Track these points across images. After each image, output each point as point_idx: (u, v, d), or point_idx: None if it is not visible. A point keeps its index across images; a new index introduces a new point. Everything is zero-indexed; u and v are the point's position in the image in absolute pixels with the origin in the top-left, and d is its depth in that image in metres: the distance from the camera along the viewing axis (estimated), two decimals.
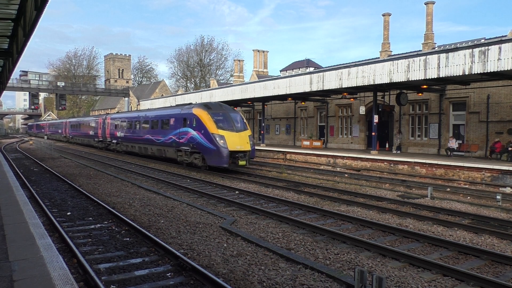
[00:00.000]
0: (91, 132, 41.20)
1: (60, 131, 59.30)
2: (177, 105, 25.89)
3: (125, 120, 31.88)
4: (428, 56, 18.43)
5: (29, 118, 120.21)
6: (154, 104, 45.72)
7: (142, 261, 6.90)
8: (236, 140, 19.01)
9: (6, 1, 8.57)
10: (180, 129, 21.98)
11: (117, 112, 41.24)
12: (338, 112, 33.60)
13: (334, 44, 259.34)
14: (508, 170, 16.65)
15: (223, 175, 18.80)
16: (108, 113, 40.78)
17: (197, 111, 20.50)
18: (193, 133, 20.39)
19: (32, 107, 50.70)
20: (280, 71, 52.22)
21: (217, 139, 18.71)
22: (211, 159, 19.20)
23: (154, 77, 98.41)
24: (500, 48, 15.65)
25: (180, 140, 21.83)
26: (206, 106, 20.78)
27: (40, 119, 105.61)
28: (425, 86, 22.72)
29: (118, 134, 32.85)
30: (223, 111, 20.41)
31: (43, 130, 74.68)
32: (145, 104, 48.87)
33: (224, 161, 18.54)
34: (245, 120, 21.10)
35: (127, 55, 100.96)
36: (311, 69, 41.45)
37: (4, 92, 45.72)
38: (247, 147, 19.34)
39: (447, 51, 17.75)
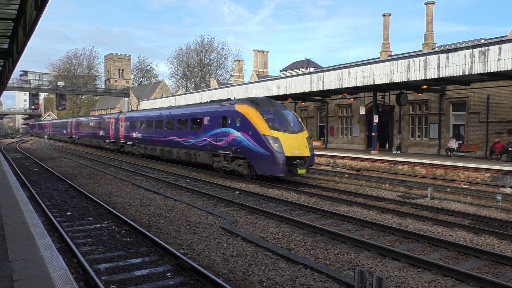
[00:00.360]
0: (101, 133, 37.29)
1: (64, 131, 55.57)
2: (211, 101, 22.14)
3: (143, 119, 27.90)
4: (428, 56, 18.44)
5: (29, 118, 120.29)
6: (154, 104, 45.56)
7: (142, 261, 6.90)
8: (293, 144, 15.74)
9: (6, 1, 8.58)
10: (217, 129, 18.44)
11: (132, 110, 36.24)
12: (338, 112, 33.61)
13: (334, 44, 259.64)
14: (508, 170, 16.66)
15: (223, 175, 18.76)
16: (122, 112, 36.91)
17: (242, 108, 17.03)
18: (237, 134, 16.94)
19: (32, 107, 50.77)
20: (280, 71, 52.25)
21: (270, 142, 15.37)
22: (262, 166, 15.81)
23: (154, 77, 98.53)
24: (500, 48, 15.66)
25: (218, 143, 18.27)
26: (253, 102, 17.33)
27: (40, 119, 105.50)
28: (425, 86, 22.74)
29: (135, 135, 29.04)
30: (274, 108, 16.96)
31: (45, 130, 71.96)
32: (145, 104, 48.84)
33: (280, 169, 15.18)
34: (299, 119, 17.80)
35: (127, 55, 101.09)
36: (311, 69, 41.48)
37: (4, 92, 45.67)
38: (306, 152, 16.01)
39: (447, 51, 17.76)
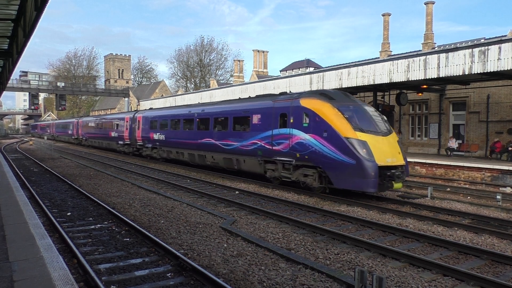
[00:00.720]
0: (113, 134, 33.78)
1: (70, 131, 52.06)
2: (259, 96, 18.27)
3: (167, 118, 24.36)
4: (428, 56, 18.44)
5: (29, 119, 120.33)
6: (154, 104, 45.48)
7: (142, 261, 6.90)
8: (385, 149, 12.30)
9: (6, 2, 8.57)
10: (273, 130, 15.17)
11: (151, 109, 31.98)
12: None
13: (334, 44, 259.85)
14: (508, 170, 16.66)
15: (223, 175, 18.73)
16: (138, 110, 33.31)
17: (311, 103, 13.64)
18: (304, 136, 13.57)
19: (32, 107, 50.87)
20: (280, 71, 52.27)
21: (357, 147, 11.92)
22: (343, 179, 12.39)
23: (154, 77, 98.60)
24: (500, 48, 15.66)
25: (275, 147, 14.96)
26: (324, 95, 13.91)
27: (40, 119, 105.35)
28: (425, 86, 22.74)
29: (156, 136, 25.49)
30: (353, 103, 13.60)
31: (48, 131, 68.76)
32: (145, 104, 48.78)
33: (371, 183, 11.68)
34: (384, 117, 14.24)
35: (127, 55, 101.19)
36: (311, 69, 41.48)
37: (4, 93, 45.63)
38: (400, 160, 12.54)
39: (447, 51, 17.76)
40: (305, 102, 13.92)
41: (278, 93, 18.67)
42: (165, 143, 24.45)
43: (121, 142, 32.12)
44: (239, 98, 21.32)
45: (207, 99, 34.27)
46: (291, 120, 14.33)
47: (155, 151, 26.24)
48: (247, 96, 22.55)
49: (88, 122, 43.63)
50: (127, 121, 30.84)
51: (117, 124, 33.05)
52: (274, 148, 15.08)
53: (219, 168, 19.50)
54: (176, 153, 23.20)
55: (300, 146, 13.80)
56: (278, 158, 14.95)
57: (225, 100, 22.68)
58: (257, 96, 18.49)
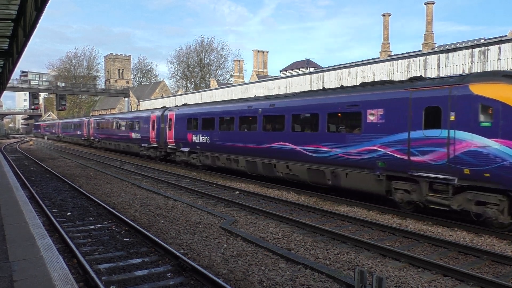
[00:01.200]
0: (134, 135, 29.17)
1: (79, 132, 46.92)
2: (372, 84, 12.86)
3: (214, 116, 19.37)
4: (428, 56, 18.47)
5: (29, 119, 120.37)
6: (154, 104, 45.40)
7: (142, 261, 6.90)
8: None
9: (6, 2, 8.58)
10: (410, 131, 10.54)
11: (186, 105, 25.50)
12: None
13: (335, 44, 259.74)
14: None
15: (223, 175, 18.73)
16: (167, 107, 27.56)
17: (495, 90, 9.11)
18: (484, 142, 9.08)
19: (32, 107, 50.95)
20: (280, 71, 52.31)
21: None
22: None
23: (154, 77, 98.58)
24: (500, 48, 15.68)
25: (415, 158, 10.35)
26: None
27: (40, 119, 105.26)
28: None
29: (196, 138, 20.61)
30: None
31: (53, 131, 64.02)
32: (145, 104, 48.78)
33: None
34: None
35: (127, 55, 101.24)
36: (311, 69, 41.50)
37: (4, 93, 45.53)
38: None
39: (447, 51, 17.78)
40: (481, 89, 9.32)
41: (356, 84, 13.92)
42: (210, 147, 19.62)
43: (145, 145, 27.33)
44: (334, 88, 15.76)
45: (207, 99, 34.28)
46: (452, 117, 9.84)
47: (194, 157, 21.30)
48: (345, 86, 16.09)
49: (102, 121, 38.34)
50: (153, 120, 25.88)
51: (140, 124, 28.21)
52: (413, 158, 10.49)
53: (297, 182, 14.80)
54: (226, 160, 18.39)
55: (472, 158, 9.32)
56: (421, 173, 10.33)
57: (308, 91, 16.84)
58: (367, 84, 13.13)
